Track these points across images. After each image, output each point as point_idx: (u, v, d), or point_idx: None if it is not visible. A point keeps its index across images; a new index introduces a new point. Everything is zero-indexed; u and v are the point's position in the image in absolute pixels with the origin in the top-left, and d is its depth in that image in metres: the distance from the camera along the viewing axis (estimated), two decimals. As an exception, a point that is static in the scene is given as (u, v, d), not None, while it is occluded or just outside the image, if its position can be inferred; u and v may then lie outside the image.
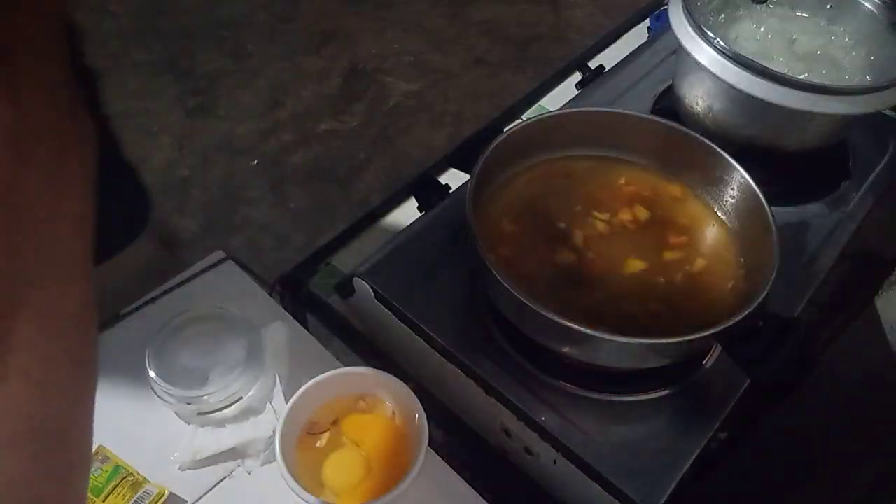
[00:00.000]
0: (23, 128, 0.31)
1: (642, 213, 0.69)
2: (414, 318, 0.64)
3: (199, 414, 0.60)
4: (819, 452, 0.70)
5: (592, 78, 0.96)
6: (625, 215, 0.68)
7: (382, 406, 0.58)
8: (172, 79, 2.16)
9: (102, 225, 0.36)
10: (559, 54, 2.31)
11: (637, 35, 1.07)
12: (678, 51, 0.78)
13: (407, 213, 0.81)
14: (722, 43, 0.69)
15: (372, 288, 0.66)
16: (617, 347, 0.54)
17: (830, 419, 0.72)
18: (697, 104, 0.77)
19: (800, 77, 0.66)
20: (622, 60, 0.95)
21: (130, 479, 0.55)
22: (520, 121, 0.88)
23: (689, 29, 0.72)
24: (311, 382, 0.56)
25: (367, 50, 2.39)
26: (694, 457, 0.57)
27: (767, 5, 0.83)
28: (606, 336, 0.52)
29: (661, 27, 1.04)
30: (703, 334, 0.52)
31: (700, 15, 0.73)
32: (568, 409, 0.59)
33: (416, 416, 0.55)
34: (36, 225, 0.32)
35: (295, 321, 0.68)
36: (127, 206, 0.77)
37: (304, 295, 0.75)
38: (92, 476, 0.54)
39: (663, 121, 0.69)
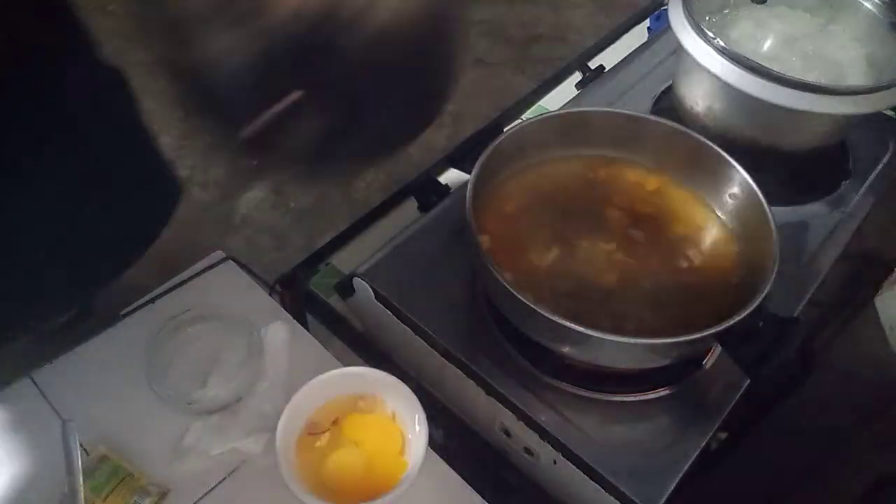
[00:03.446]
0: None
1: (642, 213, 0.69)
2: (414, 318, 0.64)
3: (199, 414, 0.60)
4: (819, 452, 0.70)
5: (592, 78, 0.96)
6: (624, 215, 0.68)
7: (382, 406, 0.58)
8: (173, 79, 2.16)
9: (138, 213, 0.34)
10: (559, 54, 2.30)
11: (637, 35, 1.07)
12: (678, 51, 0.78)
13: (407, 213, 0.81)
14: (722, 43, 0.69)
15: (372, 288, 0.66)
16: (617, 347, 0.54)
17: (831, 419, 0.72)
18: (697, 104, 0.77)
19: (800, 77, 0.66)
20: (622, 60, 0.95)
21: (130, 479, 0.55)
22: (520, 121, 0.88)
23: (689, 29, 0.72)
24: (311, 382, 0.56)
25: (367, 50, 2.39)
26: (694, 457, 0.57)
27: (767, 5, 0.83)
28: (606, 336, 0.52)
29: (661, 27, 1.04)
30: (703, 334, 0.52)
31: (700, 15, 0.73)
32: (568, 409, 0.59)
33: (416, 416, 0.55)
34: None
35: (295, 321, 0.68)
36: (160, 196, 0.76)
37: (304, 295, 0.75)
38: (92, 476, 0.54)
39: (663, 121, 0.69)
